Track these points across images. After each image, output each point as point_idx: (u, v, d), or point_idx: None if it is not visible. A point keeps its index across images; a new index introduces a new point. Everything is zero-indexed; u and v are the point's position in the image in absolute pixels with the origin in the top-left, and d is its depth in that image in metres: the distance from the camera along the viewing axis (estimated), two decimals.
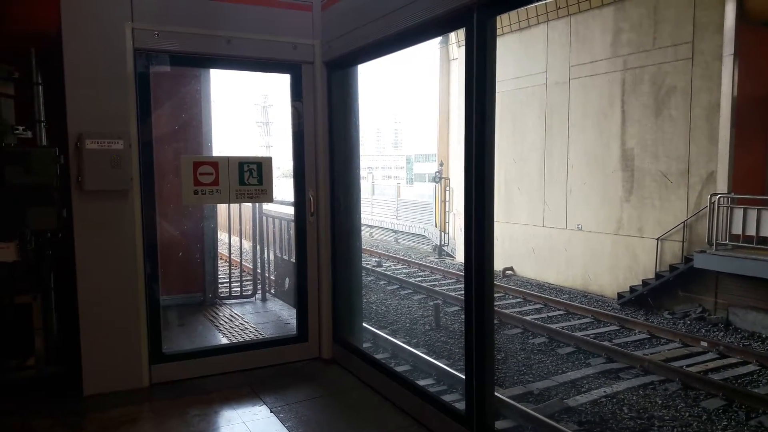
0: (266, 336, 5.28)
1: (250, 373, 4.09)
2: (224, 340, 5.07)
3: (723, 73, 9.72)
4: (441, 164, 18.20)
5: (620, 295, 10.96)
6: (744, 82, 9.65)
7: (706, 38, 9.96)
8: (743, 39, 9.54)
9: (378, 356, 4.00)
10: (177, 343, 4.56)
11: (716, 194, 9.59)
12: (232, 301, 6.44)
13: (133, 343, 3.76)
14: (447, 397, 5.57)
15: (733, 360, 7.63)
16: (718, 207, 9.50)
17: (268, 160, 4.20)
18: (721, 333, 8.94)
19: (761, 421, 5.83)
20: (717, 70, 9.80)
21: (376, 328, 8.38)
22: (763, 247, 9.05)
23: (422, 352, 7.16)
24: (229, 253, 7.66)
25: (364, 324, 4.89)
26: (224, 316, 5.79)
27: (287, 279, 5.27)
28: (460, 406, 3.15)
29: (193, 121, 5.10)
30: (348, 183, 4.48)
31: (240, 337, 5.12)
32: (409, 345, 7.56)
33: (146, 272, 3.79)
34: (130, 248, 3.72)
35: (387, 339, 7.59)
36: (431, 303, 10.35)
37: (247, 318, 5.74)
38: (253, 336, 5.22)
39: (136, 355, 3.77)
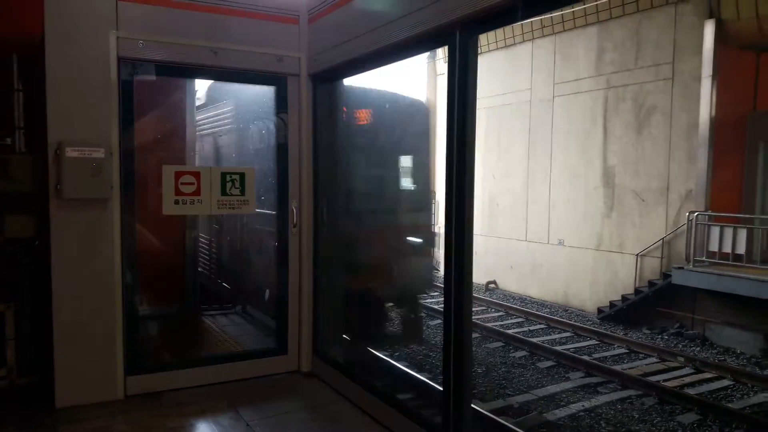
0: (245, 348, 5.24)
1: (228, 385, 4.05)
2: (203, 352, 5.01)
3: (702, 94, 9.97)
4: None
5: (600, 310, 11.09)
6: (722, 103, 9.91)
7: (686, 59, 10.22)
8: (722, 61, 9.81)
9: (358, 369, 4.00)
10: (154, 354, 4.50)
11: (694, 212, 9.78)
12: (212, 312, 6.37)
13: (109, 354, 3.71)
14: (427, 411, 5.56)
15: (708, 375, 7.75)
16: (696, 224, 9.69)
17: (251, 170, 4.21)
18: (698, 348, 9.08)
19: None
20: (696, 90, 10.05)
21: (357, 341, 8.34)
22: (738, 264, 9.24)
23: (403, 365, 7.15)
24: (210, 264, 7.58)
25: (344, 336, 4.88)
26: (203, 327, 5.72)
27: (267, 291, 5.25)
28: (439, 419, 3.15)
29: (176, 131, 5.08)
30: (331, 194, 4.49)
31: (219, 349, 5.07)
32: (391, 358, 7.54)
33: (125, 282, 3.75)
34: (109, 258, 3.67)
35: (368, 351, 7.56)
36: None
37: (227, 329, 5.68)
38: (232, 348, 5.17)
39: (111, 366, 3.71)
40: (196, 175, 4.00)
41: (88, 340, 3.64)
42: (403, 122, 6.44)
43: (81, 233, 3.60)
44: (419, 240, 6.35)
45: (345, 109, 4.97)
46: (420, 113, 7.23)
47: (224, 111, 6.98)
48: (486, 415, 5.62)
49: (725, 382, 7.50)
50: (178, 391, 3.90)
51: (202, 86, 7.17)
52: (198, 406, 3.72)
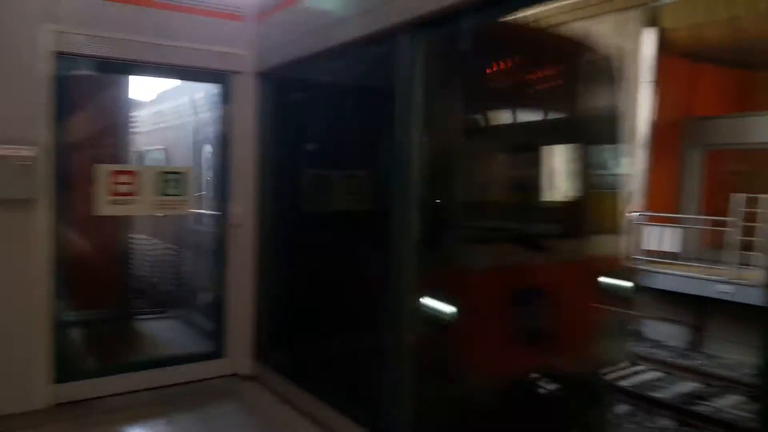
0: (181, 352, 5.09)
1: (162, 390, 3.95)
2: (137, 357, 4.82)
3: (642, 99, 10.43)
4: None
5: None
6: (660, 107, 10.40)
7: (629, 66, 10.63)
8: (662, 68, 10.28)
9: (299, 372, 3.96)
10: (85, 360, 4.33)
11: (631, 212, 10.24)
12: (147, 315, 6.14)
13: (36, 361, 3.54)
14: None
15: (640, 367, 8.20)
16: (633, 224, 10.16)
17: (190, 170, 4.12)
18: (634, 343, 9.57)
19: (663, 424, 6.34)
20: (638, 95, 10.49)
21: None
22: (672, 261, 9.76)
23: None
24: (145, 267, 7.29)
25: (285, 337, 4.84)
26: (138, 331, 5.54)
27: (206, 293, 5.12)
28: (380, 419, 3.19)
29: (114, 128, 4.88)
30: (276, 195, 4.43)
31: (154, 354, 4.91)
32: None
33: (53, 287, 3.58)
34: (36, 261, 3.50)
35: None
36: None
37: (162, 333, 5.51)
38: (167, 352, 5.02)
39: (38, 374, 3.55)
40: (133, 174, 3.86)
41: (13, 347, 3.47)
42: (557, 89, 3.95)
43: (6, 235, 3.42)
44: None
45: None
46: (596, 72, 4.10)
47: (166, 108, 6.73)
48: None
49: (656, 374, 7.96)
50: (110, 398, 3.77)
51: (143, 83, 6.89)
52: (130, 412, 3.62)
